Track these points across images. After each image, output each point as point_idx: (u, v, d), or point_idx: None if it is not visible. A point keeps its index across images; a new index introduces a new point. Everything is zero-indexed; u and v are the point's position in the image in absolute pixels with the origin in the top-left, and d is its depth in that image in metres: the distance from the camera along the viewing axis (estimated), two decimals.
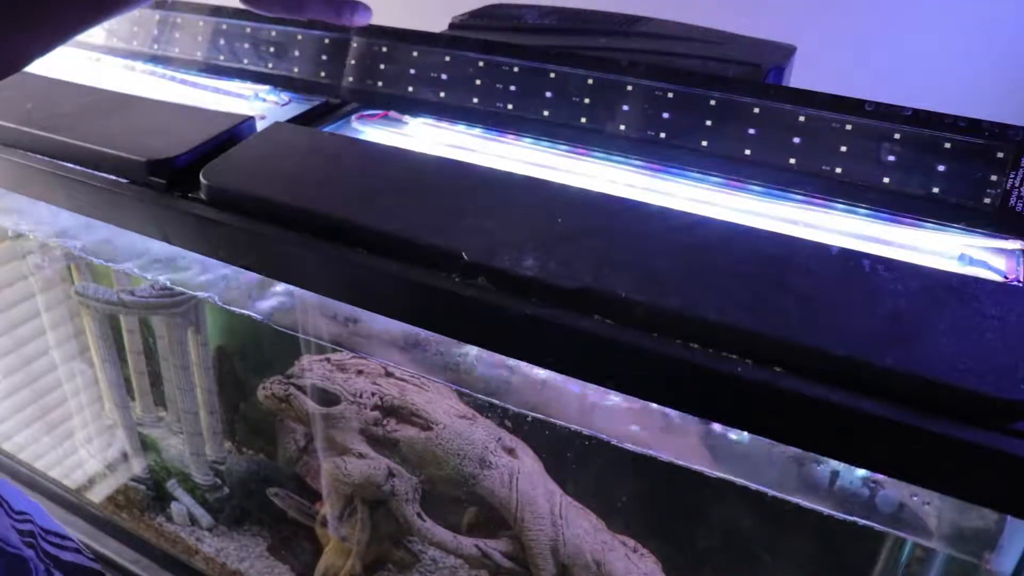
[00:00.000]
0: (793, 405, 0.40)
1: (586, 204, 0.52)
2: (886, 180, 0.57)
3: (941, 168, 0.56)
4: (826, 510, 0.48)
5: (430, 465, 0.77)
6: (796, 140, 0.59)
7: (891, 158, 0.57)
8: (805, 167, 0.59)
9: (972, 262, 0.52)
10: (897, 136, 0.56)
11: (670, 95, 0.63)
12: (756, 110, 0.60)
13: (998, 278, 0.50)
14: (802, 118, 0.59)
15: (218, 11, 0.81)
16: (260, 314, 0.67)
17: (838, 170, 0.58)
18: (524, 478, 0.75)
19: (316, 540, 0.93)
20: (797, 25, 1.32)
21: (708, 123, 0.62)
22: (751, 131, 0.60)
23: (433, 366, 0.61)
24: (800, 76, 0.84)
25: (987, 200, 0.55)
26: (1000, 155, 0.54)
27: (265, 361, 0.94)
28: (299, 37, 0.77)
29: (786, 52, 0.80)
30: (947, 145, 0.55)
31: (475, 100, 0.70)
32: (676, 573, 0.74)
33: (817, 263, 0.46)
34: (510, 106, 0.69)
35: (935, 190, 0.56)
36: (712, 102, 0.61)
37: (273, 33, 0.78)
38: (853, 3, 1.34)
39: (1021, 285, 0.49)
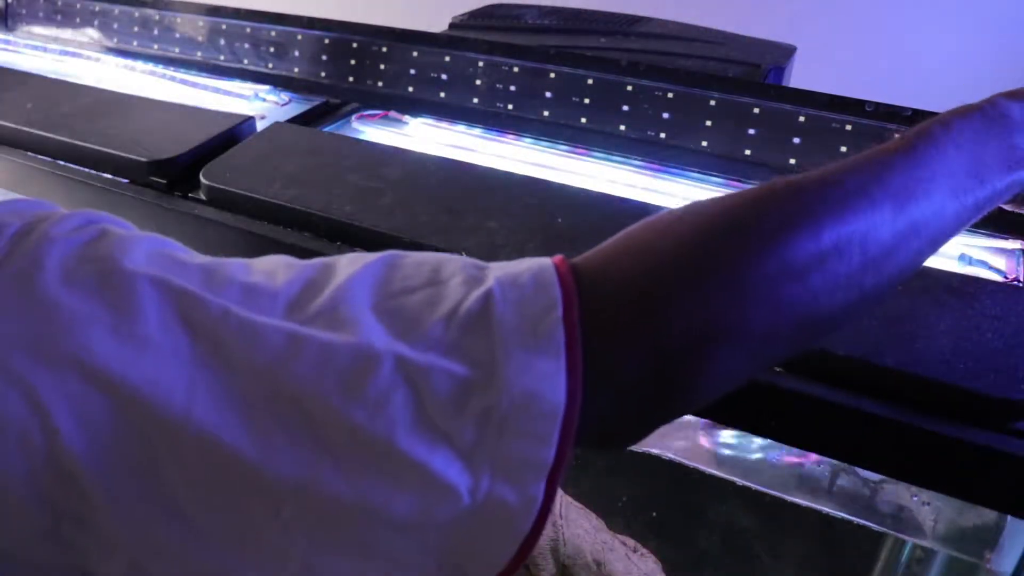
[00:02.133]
0: (793, 405, 0.40)
1: (586, 204, 0.52)
2: None
3: None
4: (827, 510, 0.48)
5: None
6: (796, 140, 0.59)
7: None
8: (804, 167, 0.59)
9: (972, 262, 0.52)
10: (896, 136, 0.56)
11: (670, 95, 0.63)
12: (756, 110, 0.60)
13: (998, 278, 0.50)
14: (802, 118, 0.59)
15: (217, 11, 0.81)
16: None
17: None
18: None
19: None
20: (797, 25, 1.32)
21: (708, 123, 0.62)
22: (751, 131, 0.60)
23: None
24: (800, 76, 0.84)
25: None
26: None
27: None
28: (299, 37, 0.77)
29: (786, 52, 0.81)
30: None
31: (475, 100, 0.70)
32: (676, 573, 0.74)
33: None
34: (510, 106, 0.69)
35: None
36: (712, 102, 0.61)
37: (273, 33, 0.78)
38: (853, 3, 1.34)
39: (1021, 285, 0.49)
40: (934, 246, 0.33)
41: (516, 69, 0.68)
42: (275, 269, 0.29)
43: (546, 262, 0.29)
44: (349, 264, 0.29)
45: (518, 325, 0.26)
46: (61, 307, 0.25)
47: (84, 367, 0.25)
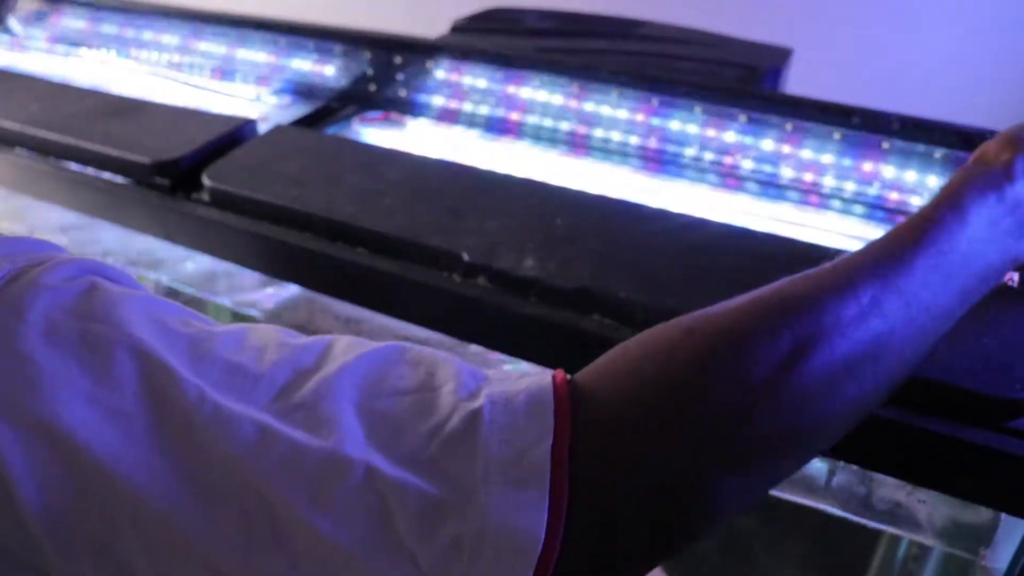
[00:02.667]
0: None
1: (585, 205, 0.53)
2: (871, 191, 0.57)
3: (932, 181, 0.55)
4: (823, 507, 0.48)
5: None
6: (785, 149, 0.59)
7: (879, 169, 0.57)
8: (793, 176, 0.59)
9: None
10: (885, 146, 0.56)
11: (655, 102, 0.63)
12: (742, 118, 0.60)
13: None
14: (790, 127, 0.59)
15: (220, 18, 0.82)
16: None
17: (825, 179, 0.58)
18: None
19: None
20: (794, 27, 1.32)
21: (695, 131, 0.62)
22: (739, 139, 0.60)
23: None
24: (797, 78, 0.84)
25: None
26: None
27: None
28: (301, 41, 0.77)
29: (783, 54, 0.81)
30: (937, 155, 0.55)
31: (473, 103, 0.70)
32: (676, 572, 0.74)
33: (815, 263, 0.46)
34: (505, 110, 0.69)
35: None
36: (697, 109, 0.61)
37: (275, 37, 0.78)
38: (850, 5, 1.35)
39: (1016, 286, 0.49)
40: (935, 340, 0.33)
41: (510, 74, 0.68)
42: (266, 346, 0.28)
43: (545, 383, 0.27)
44: (346, 351, 0.28)
45: (504, 453, 0.25)
46: (38, 364, 0.25)
47: (51, 431, 0.24)
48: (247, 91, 0.79)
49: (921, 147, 0.55)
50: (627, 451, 0.26)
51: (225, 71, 0.82)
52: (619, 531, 0.26)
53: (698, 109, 0.61)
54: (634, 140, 0.64)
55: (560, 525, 0.25)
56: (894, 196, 0.56)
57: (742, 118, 0.60)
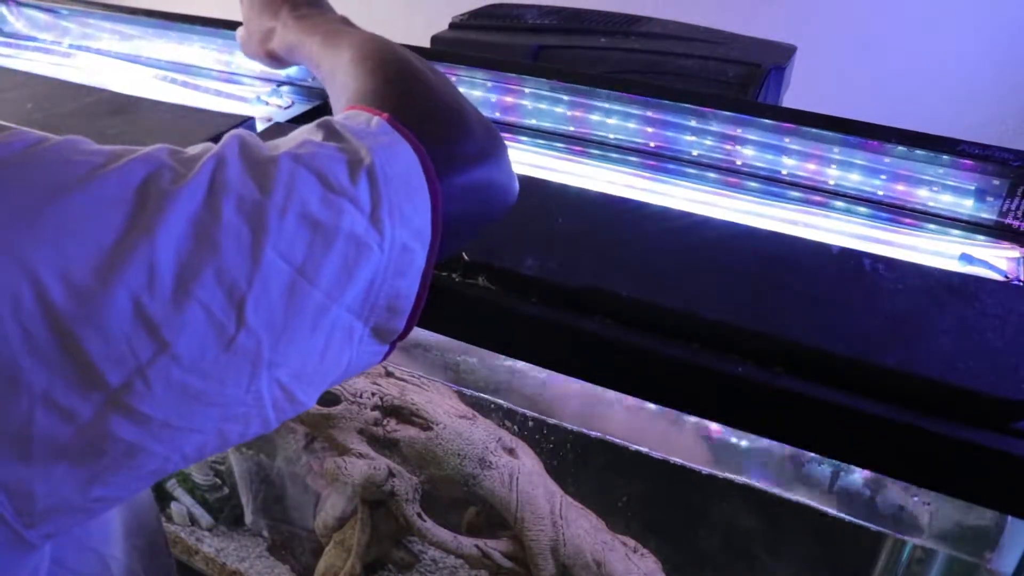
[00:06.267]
0: (793, 405, 0.40)
1: (586, 204, 0.52)
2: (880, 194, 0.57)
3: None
4: (826, 510, 0.48)
5: (430, 465, 0.77)
6: (787, 159, 0.59)
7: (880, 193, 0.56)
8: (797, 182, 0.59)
9: (973, 262, 0.52)
10: (887, 160, 0.55)
11: (649, 113, 0.62)
12: (738, 130, 0.59)
13: (999, 277, 0.50)
14: (794, 138, 0.58)
15: (215, 22, 0.81)
16: None
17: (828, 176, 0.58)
18: (524, 478, 0.75)
19: (316, 540, 0.93)
20: (797, 25, 1.32)
21: (691, 137, 0.61)
22: (736, 146, 0.60)
23: (433, 366, 0.61)
24: (800, 75, 0.84)
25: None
26: (996, 182, 0.53)
27: None
28: None
29: (786, 51, 0.81)
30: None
31: (472, 102, 0.70)
32: (676, 573, 0.74)
33: (817, 263, 0.46)
34: (499, 113, 0.69)
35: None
36: (692, 121, 0.61)
37: None
38: (854, 3, 1.34)
39: (1022, 284, 0.49)
40: None
41: (502, 79, 0.67)
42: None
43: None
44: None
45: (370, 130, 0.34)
46: None
47: None
48: (246, 91, 0.78)
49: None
50: (444, 134, 0.39)
51: (222, 71, 0.81)
52: (454, 155, 0.38)
53: (694, 119, 0.60)
54: (634, 127, 0.64)
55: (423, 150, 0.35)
56: (900, 188, 0.56)
57: (738, 130, 0.59)
